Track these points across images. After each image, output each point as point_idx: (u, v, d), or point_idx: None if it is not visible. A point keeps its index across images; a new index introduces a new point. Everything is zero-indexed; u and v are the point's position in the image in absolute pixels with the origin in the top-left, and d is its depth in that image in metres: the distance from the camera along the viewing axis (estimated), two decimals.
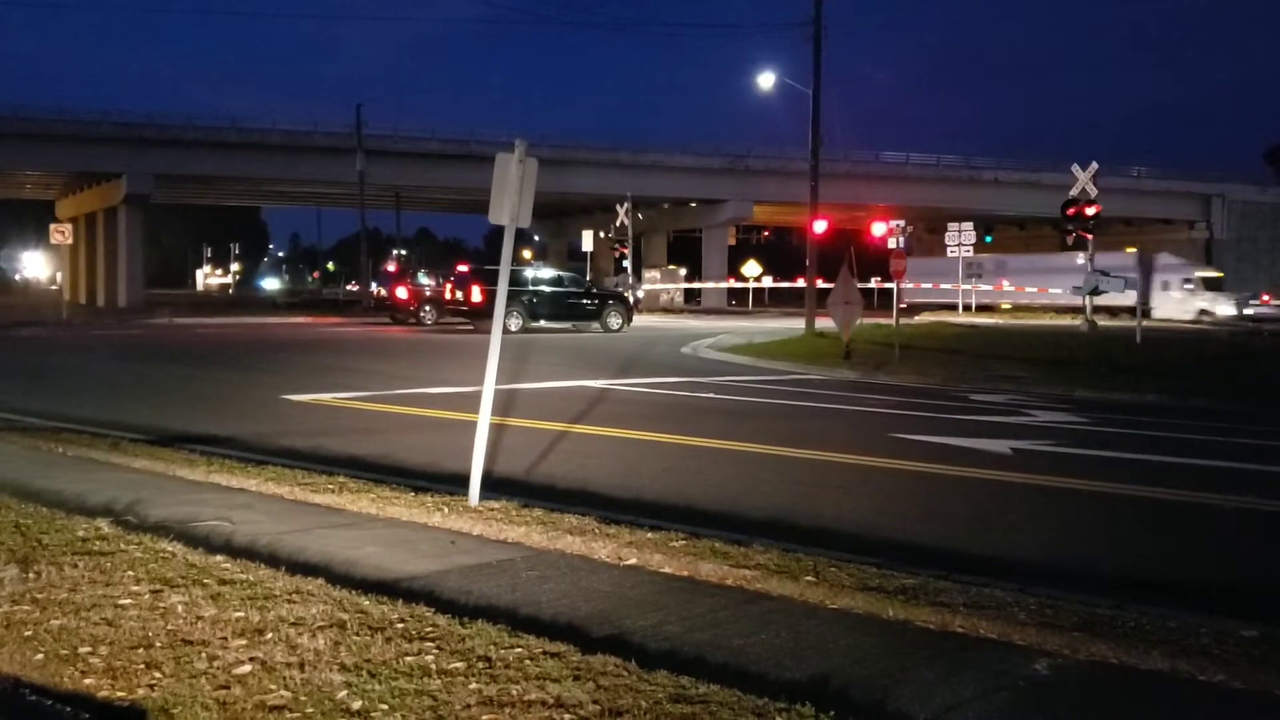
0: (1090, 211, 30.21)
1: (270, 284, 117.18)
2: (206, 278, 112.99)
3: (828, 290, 22.98)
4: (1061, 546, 6.94)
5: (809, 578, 5.37)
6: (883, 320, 29.80)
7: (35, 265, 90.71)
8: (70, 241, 41.63)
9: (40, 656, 4.03)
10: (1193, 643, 4.52)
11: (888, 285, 30.73)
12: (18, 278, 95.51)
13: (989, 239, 59.27)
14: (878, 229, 32.76)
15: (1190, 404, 15.13)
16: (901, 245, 30.88)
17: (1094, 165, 31.63)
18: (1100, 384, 16.82)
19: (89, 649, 4.10)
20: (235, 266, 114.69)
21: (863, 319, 22.79)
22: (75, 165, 49.38)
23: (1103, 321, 32.96)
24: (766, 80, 34.27)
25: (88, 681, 3.81)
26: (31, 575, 5.02)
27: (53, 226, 38.81)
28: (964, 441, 10.81)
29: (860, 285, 22.57)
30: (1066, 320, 41.27)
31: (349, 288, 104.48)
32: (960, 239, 48.52)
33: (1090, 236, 30.96)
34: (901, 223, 34.17)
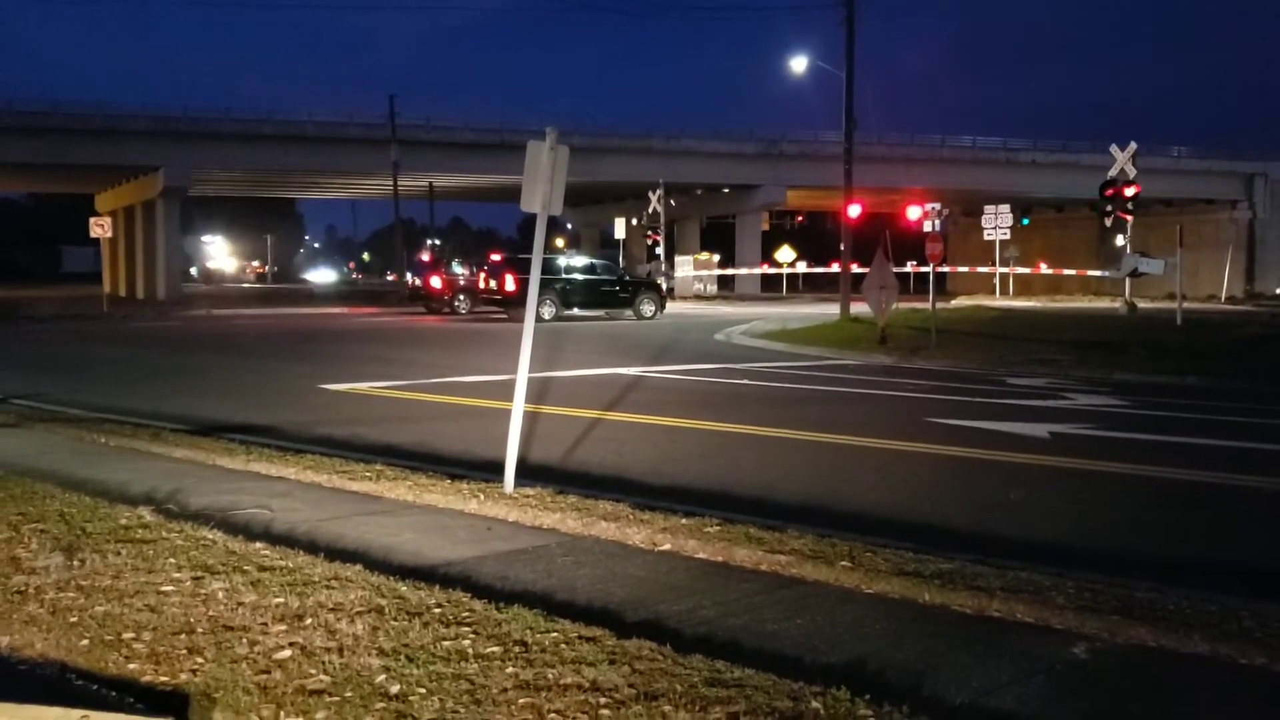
0: (1129, 192, 29.80)
1: (322, 275, 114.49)
2: (244, 270, 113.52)
3: (863, 275, 22.85)
4: (1100, 530, 6.87)
5: (844, 563, 5.36)
6: (919, 304, 29.58)
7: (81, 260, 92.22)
8: (110, 235, 42.17)
9: (85, 642, 4.10)
10: (1234, 626, 4.46)
11: (923, 269, 30.48)
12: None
13: (1025, 221, 58.60)
14: (913, 212, 32.47)
15: (1231, 386, 14.90)
16: (937, 229, 30.64)
17: (1133, 145, 31.17)
18: (1140, 367, 16.62)
19: (132, 634, 4.17)
20: (269, 258, 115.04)
21: (899, 303, 22.63)
22: (113, 159, 49.83)
23: (1142, 304, 32.52)
24: (799, 64, 34.08)
25: (132, 666, 3.88)
26: (76, 563, 5.11)
27: (92, 220, 39.28)
28: (1001, 425, 10.73)
29: (896, 269, 22.41)
30: (1105, 302, 40.81)
31: (355, 276, 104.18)
32: (997, 222, 48.04)
33: (1129, 218, 30.56)
34: (937, 206, 33.86)
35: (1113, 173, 30.88)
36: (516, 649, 4.02)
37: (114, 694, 3.58)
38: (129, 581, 4.84)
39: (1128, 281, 31.91)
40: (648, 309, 33.19)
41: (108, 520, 5.98)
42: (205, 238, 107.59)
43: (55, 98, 49.95)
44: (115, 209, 59.46)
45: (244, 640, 4.09)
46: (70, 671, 3.85)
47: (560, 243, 74.56)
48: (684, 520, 6.19)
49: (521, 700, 3.56)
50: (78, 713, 3.18)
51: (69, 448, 9.06)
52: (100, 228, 38.97)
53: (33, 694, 3.38)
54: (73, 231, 38.87)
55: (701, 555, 5.65)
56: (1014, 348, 19.61)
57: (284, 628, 4.24)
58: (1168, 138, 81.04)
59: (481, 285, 34.44)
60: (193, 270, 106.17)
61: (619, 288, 33.66)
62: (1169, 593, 4.91)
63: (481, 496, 6.85)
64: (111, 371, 18.00)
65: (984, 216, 49.19)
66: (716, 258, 59.39)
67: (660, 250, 49.12)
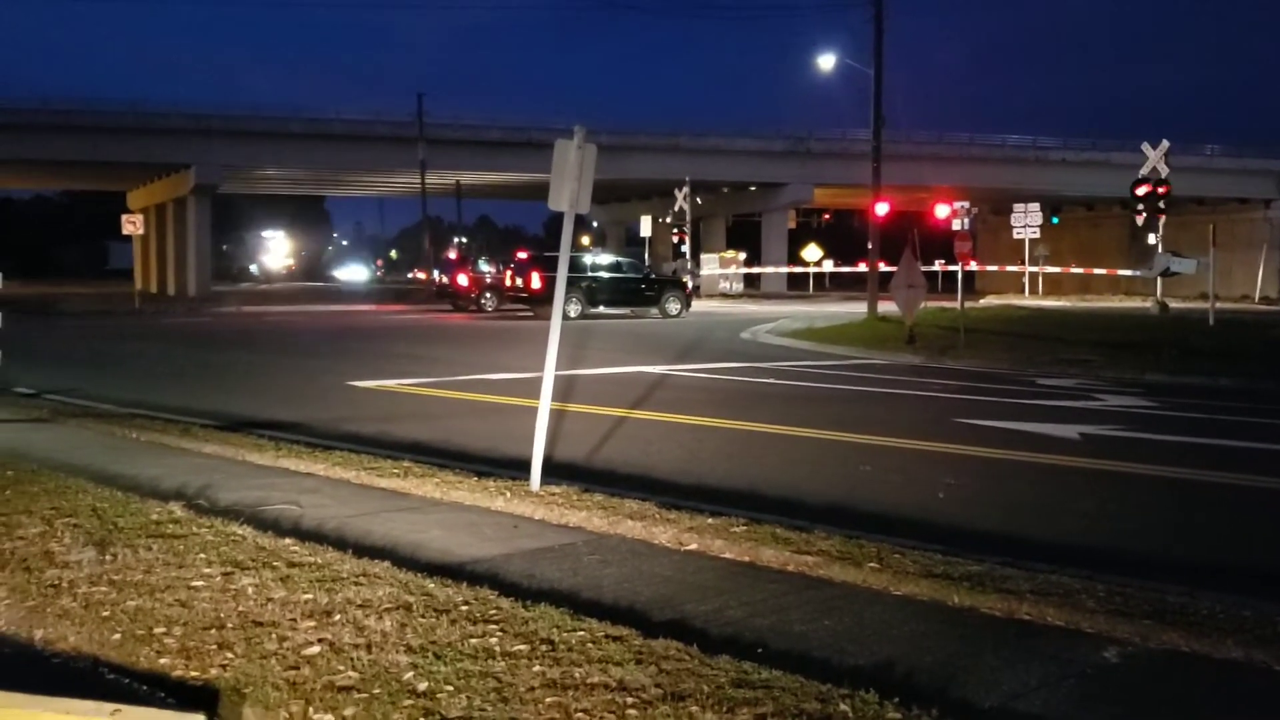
0: (1161, 191, 29.51)
1: (354, 273, 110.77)
2: (284, 268, 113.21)
3: (890, 274, 22.74)
4: (1131, 533, 6.81)
5: (872, 564, 5.33)
6: (947, 304, 29.42)
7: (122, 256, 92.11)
8: (141, 232, 42.60)
9: (117, 636, 4.13)
10: (1268, 631, 4.40)
11: (952, 268, 30.29)
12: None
13: (1055, 220, 58.12)
14: (941, 211, 32.35)
15: (1263, 388, 14.74)
16: (966, 227, 30.49)
17: (1165, 143, 30.86)
18: (1171, 368, 16.46)
19: (163, 629, 4.20)
20: (289, 254, 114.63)
21: (927, 302, 22.50)
22: (144, 156, 50.29)
23: (1174, 304, 32.21)
24: (827, 62, 33.95)
25: (163, 661, 3.91)
26: (108, 557, 5.16)
27: (124, 217, 39.72)
28: (1031, 426, 10.64)
29: (924, 268, 22.28)
30: (1136, 302, 40.44)
31: (378, 274, 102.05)
32: (1026, 220, 47.70)
33: (1161, 217, 30.26)
34: (966, 204, 33.72)
35: (1144, 171, 30.59)
36: (543, 647, 4.02)
37: (145, 688, 3.61)
38: (160, 576, 4.88)
39: (1159, 281, 31.60)
40: (673, 307, 33.17)
41: (139, 515, 6.03)
42: (266, 233, 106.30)
43: (87, 95, 50.39)
44: (147, 206, 60.00)
45: (273, 636, 4.11)
46: (102, 665, 3.89)
47: (586, 240, 74.67)
48: (710, 520, 6.18)
49: (548, 699, 3.57)
50: (109, 706, 3.21)
51: (101, 443, 9.15)
52: (132, 225, 39.39)
53: (65, 688, 3.41)
54: (119, 228, 39.40)
55: (728, 555, 5.64)
56: (1044, 348, 19.48)
57: (313, 624, 4.26)
58: (1200, 136, 79.92)
59: (508, 283, 34.51)
60: (252, 267, 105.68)
61: (645, 286, 33.66)
62: (1201, 597, 4.86)
63: (508, 494, 6.86)
64: (142, 367, 18.18)
65: (1013, 215, 48.85)
66: (742, 256, 59.28)
67: (686, 248, 49.05)
